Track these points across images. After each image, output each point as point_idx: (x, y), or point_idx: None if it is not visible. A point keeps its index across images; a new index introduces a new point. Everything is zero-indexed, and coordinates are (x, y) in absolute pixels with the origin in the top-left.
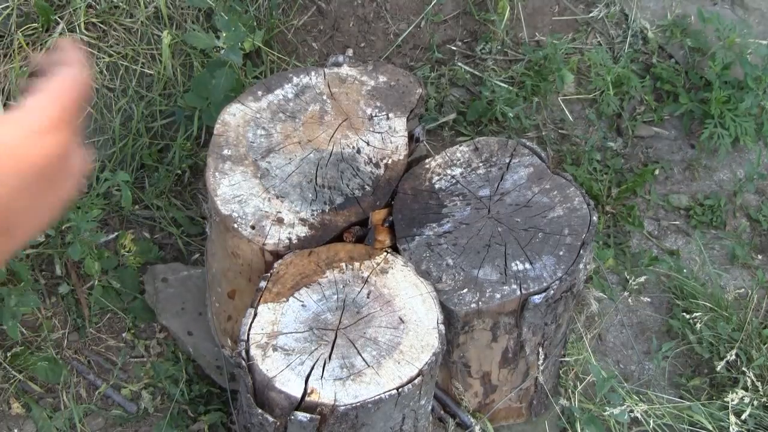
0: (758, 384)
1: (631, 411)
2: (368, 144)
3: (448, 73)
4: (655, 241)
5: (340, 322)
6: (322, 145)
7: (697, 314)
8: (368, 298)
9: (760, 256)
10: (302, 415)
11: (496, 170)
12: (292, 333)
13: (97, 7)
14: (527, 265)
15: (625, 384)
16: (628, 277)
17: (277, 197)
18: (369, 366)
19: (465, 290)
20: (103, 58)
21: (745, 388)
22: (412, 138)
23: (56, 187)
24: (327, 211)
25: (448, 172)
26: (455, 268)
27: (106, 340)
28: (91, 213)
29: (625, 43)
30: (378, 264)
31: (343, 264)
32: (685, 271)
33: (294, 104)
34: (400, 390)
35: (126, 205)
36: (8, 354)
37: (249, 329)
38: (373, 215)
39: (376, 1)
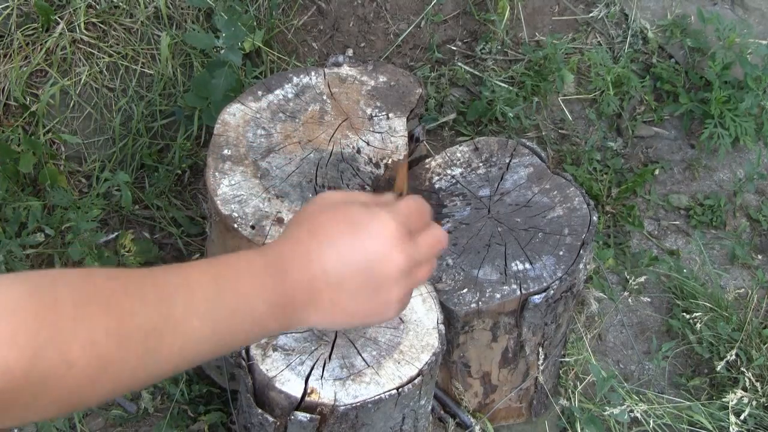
0: (757, 384)
1: (631, 411)
2: (368, 144)
3: (448, 73)
4: (655, 241)
5: None
6: (322, 145)
7: (697, 314)
8: None
9: (760, 256)
10: (302, 415)
11: (496, 170)
12: (292, 333)
13: (97, 7)
14: (527, 265)
15: (625, 384)
16: (628, 277)
17: (277, 197)
18: (369, 366)
19: (465, 290)
20: (103, 58)
21: (745, 389)
22: (412, 138)
23: (382, 301)
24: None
25: (448, 172)
26: (455, 268)
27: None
28: (91, 213)
29: (625, 43)
30: None
31: None
32: (685, 271)
33: (294, 104)
34: (400, 390)
35: (126, 205)
36: None
37: None
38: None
39: (376, 1)
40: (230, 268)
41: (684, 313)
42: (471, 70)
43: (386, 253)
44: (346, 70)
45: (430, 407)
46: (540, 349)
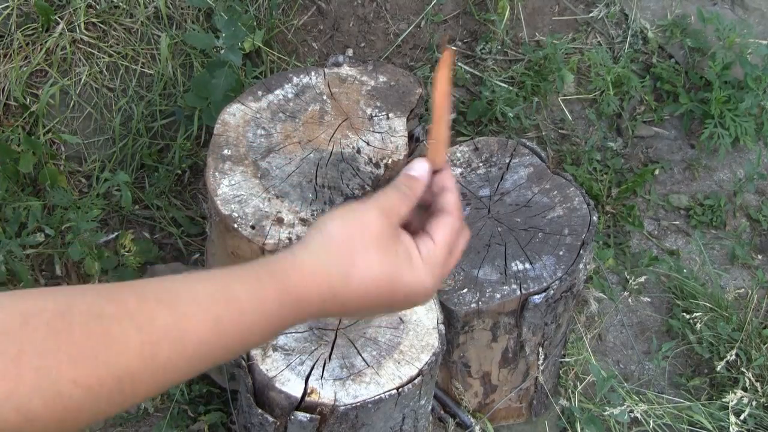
0: (757, 385)
1: (631, 411)
2: (368, 144)
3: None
4: (655, 241)
5: (340, 321)
6: (322, 145)
7: (697, 314)
8: None
9: (760, 256)
10: (302, 415)
11: (496, 170)
12: (292, 333)
13: (97, 7)
14: (527, 265)
15: (625, 384)
16: (628, 277)
17: (277, 197)
18: (369, 366)
19: (465, 290)
20: (103, 58)
21: (745, 389)
22: (412, 138)
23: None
24: (327, 211)
25: None
26: (455, 268)
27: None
28: (91, 213)
29: (625, 43)
30: None
31: None
32: (685, 271)
33: (294, 104)
34: (400, 390)
35: (126, 205)
36: None
37: None
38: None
39: (376, 1)
40: (234, 308)
41: (684, 313)
42: (471, 70)
43: (415, 305)
44: (346, 70)
45: (430, 407)
46: (540, 349)
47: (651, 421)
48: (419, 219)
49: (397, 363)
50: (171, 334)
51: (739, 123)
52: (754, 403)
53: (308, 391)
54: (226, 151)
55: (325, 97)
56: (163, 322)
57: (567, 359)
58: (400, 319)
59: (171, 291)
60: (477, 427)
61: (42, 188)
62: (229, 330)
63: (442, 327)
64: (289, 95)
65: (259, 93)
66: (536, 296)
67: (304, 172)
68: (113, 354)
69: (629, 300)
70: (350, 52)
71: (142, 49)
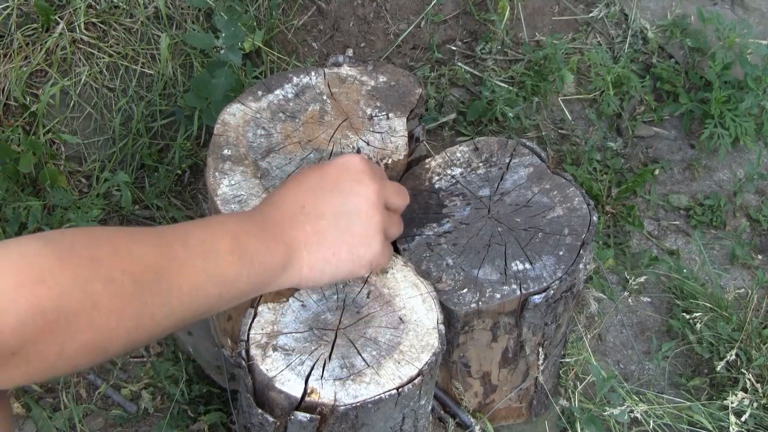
0: (758, 386)
1: (631, 411)
2: (368, 144)
3: (448, 73)
4: (655, 241)
5: (340, 322)
6: (322, 145)
7: (697, 314)
8: (368, 297)
9: (760, 256)
10: (302, 415)
11: (496, 170)
12: (292, 333)
13: (97, 7)
14: (527, 265)
15: (625, 384)
16: (628, 277)
17: None
18: (369, 366)
19: (465, 290)
20: (103, 58)
21: (745, 389)
22: (412, 138)
23: (362, 225)
24: None
25: (448, 172)
26: (455, 268)
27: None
28: (91, 213)
29: (625, 43)
30: None
31: None
32: (685, 271)
33: (294, 104)
34: (400, 390)
35: (126, 205)
36: None
37: (249, 329)
38: None
39: (376, 1)
40: (216, 220)
41: (684, 313)
42: (471, 70)
43: (353, 176)
44: (346, 70)
45: (430, 407)
46: (540, 349)
47: (651, 421)
48: None
49: (397, 363)
50: (178, 237)
51: (739, 123)
52: (755, 404)
53: (308, 391)
54: (226, 151)
55: (325, 97)
56: (169, 232)
57: (567, 359)
58: (400, 319)
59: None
60: (477, 427)
61: (42, 188)
62: (218, 230)
63: (442, 327)
64: (289, 95)
65: (259, 93)
66: (536, 296)
67: None
68: (143, 248)
69: (629, 300)
70: (350, 52)
71: (142, 49)
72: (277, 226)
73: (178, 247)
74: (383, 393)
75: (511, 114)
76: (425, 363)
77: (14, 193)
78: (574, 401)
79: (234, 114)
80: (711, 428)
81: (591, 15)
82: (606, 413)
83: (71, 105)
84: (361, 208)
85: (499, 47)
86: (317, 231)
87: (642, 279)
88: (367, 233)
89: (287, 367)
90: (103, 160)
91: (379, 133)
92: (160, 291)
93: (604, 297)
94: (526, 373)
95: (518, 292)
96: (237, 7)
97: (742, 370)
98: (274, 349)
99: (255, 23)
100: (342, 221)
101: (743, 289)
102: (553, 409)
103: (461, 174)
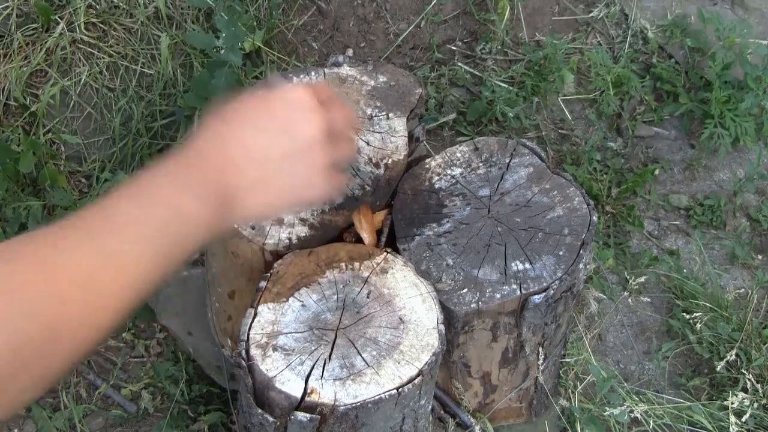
0: (758, 386)
1: (631, 411)
2: (368, 144)
3: (448, 73)
4: (655, 241)
5: (340, 322)
6: None
7: (697, 314)
8: (368, 298)
9: (760, 256)
10: (302, 415)
11: (496, 170)
12: (292, 333)
13: (97, 7)
14: (527, 265)
15: (625, 384)
16: (628, 277)
17: None
18: (369, 366)
19: (465, 290)
20: (103, 58)
21: (745, 389)
22: (412, 138)
23: (307, 167)
24: (327, 210)
25: (448, 172)
26: (455, 268)
27: (106, 340)
28: None
29: (625, 43)
30: (378, 264)
31: (343, 264)
32: (685, 271)
33: None
34: (400, 390)
35: None
36: None
37: (249, 329)
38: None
39: (376, 1)
40: (148, 183)
41: (684, 313)
42: (471, 70)
43: (299, 115)
44: (346, 70)
45: (430, 407)
46: (540, 349)
47: (651, 421)
48: None
49: (397, 363)
50: (106, 224)
51: (739, 123)
52: (755, 404)
53: (308, 391)
54: None
55: None
56: (97, 217)
57: (567, 359)
58: (400, 319)
59: (92, 206)
60: (477, 427)
61: (42, 188)
62: (150, 203)
63: (442, 327)
64: None
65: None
66: (536, 296)
67: None
68: (66, 255)
69: (629, 300)
70: (350, 52)
71: (142, 49)
72: (220, 176)
73: (107, 237)
74: (383, 393)
75: (511, 114)
76: (425, 363)
77: (14, 193)
78: (574, 401)
79: None
80: (711, 428)
81: (591, 15)
82: (606, 413)
83: (71, 105)
84: (306, 148)
85: (499, 47)
86: (262, 177)
87: (642, 279)
88: (312, 174)
89: (287, 367)
90: (103, 160)
91: (379, 133)
92: (98, 295)
93: (604, 297)
94: (526, 373)
95: (518, 292)
96: (237, 7)
97: (742, 370)
98: (274, 349)
99: (255, 23)
100: (287, 164)
101: (743, 289)
102: (553, 409)
103: (461, 174)
